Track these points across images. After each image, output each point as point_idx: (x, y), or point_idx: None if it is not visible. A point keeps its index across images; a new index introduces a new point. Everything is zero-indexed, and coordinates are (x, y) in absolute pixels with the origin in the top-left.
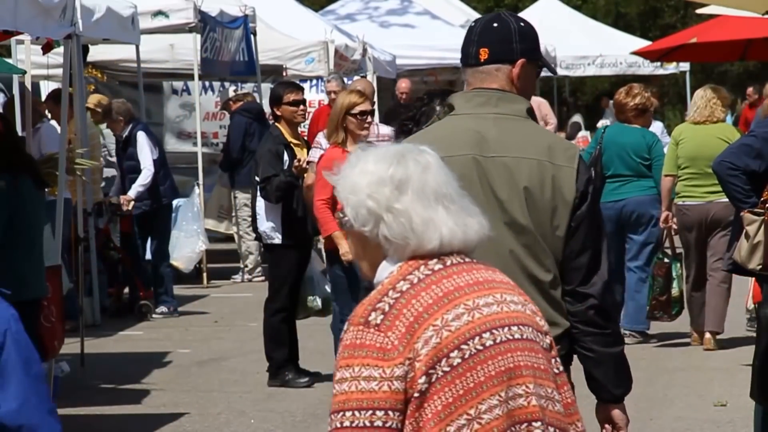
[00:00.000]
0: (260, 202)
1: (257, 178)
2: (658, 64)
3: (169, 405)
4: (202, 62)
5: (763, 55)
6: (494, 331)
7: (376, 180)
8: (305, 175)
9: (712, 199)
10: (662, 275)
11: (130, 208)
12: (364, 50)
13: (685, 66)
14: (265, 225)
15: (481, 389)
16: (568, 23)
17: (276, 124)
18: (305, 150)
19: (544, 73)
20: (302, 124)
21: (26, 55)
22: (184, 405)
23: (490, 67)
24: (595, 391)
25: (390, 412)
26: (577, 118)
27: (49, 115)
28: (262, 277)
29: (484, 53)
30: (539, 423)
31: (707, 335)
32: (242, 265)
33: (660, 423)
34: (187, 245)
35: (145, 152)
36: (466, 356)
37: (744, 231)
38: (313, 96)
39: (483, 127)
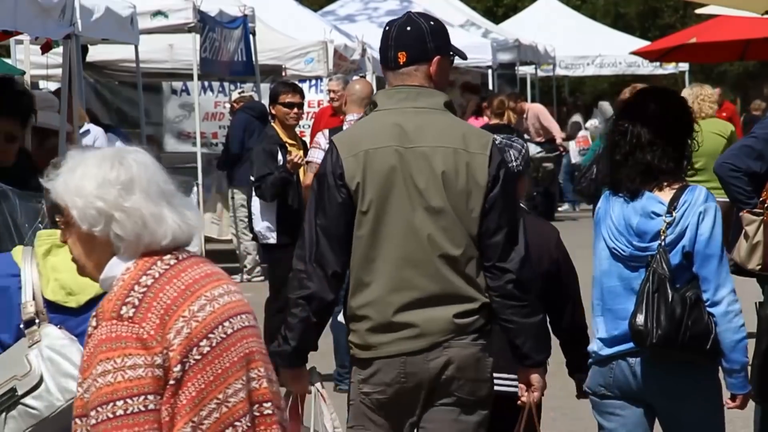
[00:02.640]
0: (255, 202)
1: (251, 178)
2: (658, 64)
3: None
4: (201, 62)
5: (762, 55)
6: (231, 319)
7: (101, 181)
8: (304, 175)
9: None
10: None
11: None
12: (363, 50)
13: (684, 66)
14: (260, 225)
15: (228, 374)
16: (567, 23)
17: (272, 123)
18: (301, 150)
19: (543, 73)
20: (303, 124)
21: (25, 55)
22: None
23: (409, 69)
24: (517, 357)
25: (157, 396)
26: (577, 117)
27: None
28: (262, 277)
29: (402, 56)
30: (269, 403)
31: None
32: (241, 266)
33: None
34: None
35: None
36: (214, 344)
37: (743, 231)
38: (312, 96)
39: (403, 120)
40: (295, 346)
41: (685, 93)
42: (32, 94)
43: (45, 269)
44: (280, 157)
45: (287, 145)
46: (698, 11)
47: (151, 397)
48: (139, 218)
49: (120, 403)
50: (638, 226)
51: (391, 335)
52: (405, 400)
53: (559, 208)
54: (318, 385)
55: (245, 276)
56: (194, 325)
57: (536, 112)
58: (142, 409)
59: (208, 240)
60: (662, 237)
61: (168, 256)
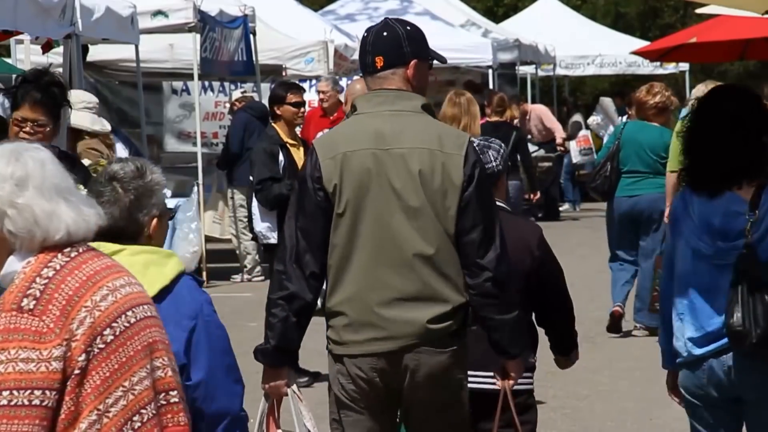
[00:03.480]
0: (255, 202)
1: (251, 178)
2: (658, 63)
3: None
4: (201, 62)
5: (762, 54)
6: (134, 309)
7: None
8: None
9: None
10: None
11: None
12: None
13: (684, 66)
14: (260, 225)
15: (132, 362)
16: (567, 23)
17: (273, 123)
18: (301, 150)
19: (544, 72)
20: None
21: (25, 54)
22: None
23: (386, 73)
24: (495, 351)
25: (47, 392)
26: (577, 117)
27: None
28: (262, 277)
29: (379, 61)
30: (175, 392)
31: None
32: (241, 266)
33: (660, 423)
34: (182, 247)
35: (118, 152)
36: (117, 333)
37: None
38: (313, 96)
39: (381, 124)
40: (275, 344)
41: (698, 89)
42: (64, 86)
43: None
44: (281, 157)
45: (288, 145)
46: (698, 11)
47: (38, 393)
48: (30, 215)
49: (6, 393)
50: (721, 225)
51: (364, 334)
52: (378, 396)
53: (560, 208)
54: (294, 386)
55: (245, 276)
56: (97, 314)
57: (539, 113)
58: (26, 402)
59: (209, 240)
60: (747, 236)
61: (68, 249)
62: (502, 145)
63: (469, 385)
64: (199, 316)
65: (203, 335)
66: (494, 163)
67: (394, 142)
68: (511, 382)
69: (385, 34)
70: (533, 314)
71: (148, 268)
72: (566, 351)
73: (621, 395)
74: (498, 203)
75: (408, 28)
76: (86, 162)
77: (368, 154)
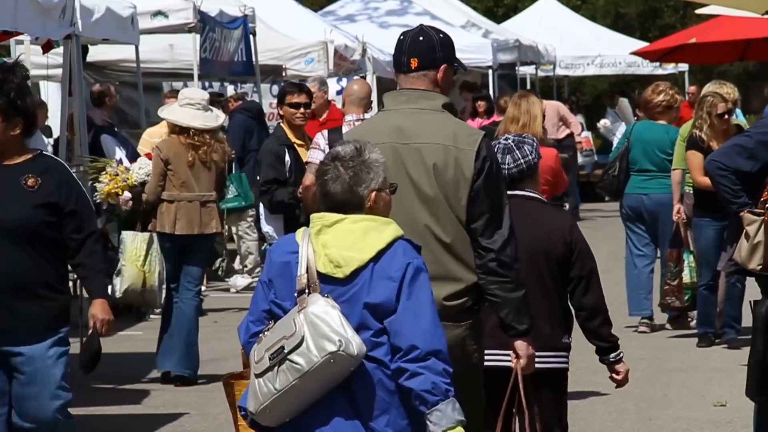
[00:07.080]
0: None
1: (258, 178)
2: (657, 64)
3: (168, 405)
4: (201, 62)
5: (762, 55)
6: None
7: None
8: (304, 175)
9: None
10: (673, 260)
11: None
12: (364, 50)
13: (684, 66)
14: (267, 227)
15: None
16: (567, 23)
17: (281, 123)
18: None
19: (543, 73)
20: None
21: (26, 55)
22: (184, 405)
23: (419, 74)
24: (503, 328)
25: None
26: (579, 118)
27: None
28: None
29: (414, 62)
30: None
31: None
32: (242, 266)
33: (659, 423)
34: None
35: (113, 151)
36: None
37: (744, 231)
38: None
39: (402, 120)
40: None
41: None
42: (21, 83)
43: (317, 246)
44: (288, 158)
45: (296, 145)
46: (698, 11)
47: None
48: None
49: None
50: None
51: None
52: None
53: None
54: None
55: (246, 276)
56: None
57: (556, 107)
58: None
59: None
60: None
61: None
62: (535, 139)
63: (489, 363)
64: (408, 268)
65: (413, 285)
66: (530, 157)
67: (413, 137)
68: (522, 361)
69: (421, 38)
70: (568, 300)
71: (367, 233)
72: (605, 350)
73: (621, 395)
74: (533, 194)
75: (441, 35)
76: (144, 149)
77: (389, 148)
